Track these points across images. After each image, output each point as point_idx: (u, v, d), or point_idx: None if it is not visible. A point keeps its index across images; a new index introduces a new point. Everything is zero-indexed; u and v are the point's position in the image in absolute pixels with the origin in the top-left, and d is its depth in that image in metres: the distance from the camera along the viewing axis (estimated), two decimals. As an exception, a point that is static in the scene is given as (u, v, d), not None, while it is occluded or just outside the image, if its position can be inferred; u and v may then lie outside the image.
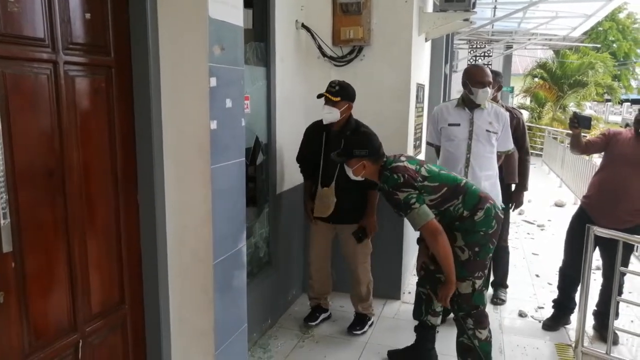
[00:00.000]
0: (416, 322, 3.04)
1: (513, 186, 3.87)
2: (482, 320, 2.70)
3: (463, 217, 2.59)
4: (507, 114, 3.41)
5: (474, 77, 3.20)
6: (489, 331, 2.75)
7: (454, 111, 3.30)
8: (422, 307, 2.95)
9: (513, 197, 3.88)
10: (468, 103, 3.26)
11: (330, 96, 3.07)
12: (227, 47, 2.06)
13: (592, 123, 3.37)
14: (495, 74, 3.78)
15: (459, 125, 3.27)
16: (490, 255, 2.70)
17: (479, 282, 2.65)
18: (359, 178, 2.75)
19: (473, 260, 2.61)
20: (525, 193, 3.93)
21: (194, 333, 2.18)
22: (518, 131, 3.74)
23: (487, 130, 3.22)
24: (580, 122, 3.25)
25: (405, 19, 3.58)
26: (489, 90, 3.23)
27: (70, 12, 1.70)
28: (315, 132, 3.28)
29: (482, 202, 2.60)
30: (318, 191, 3.24)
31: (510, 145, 3.38)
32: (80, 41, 1.76)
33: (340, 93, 3.09)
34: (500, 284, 4.04)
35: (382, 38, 3.62)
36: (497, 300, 3.94)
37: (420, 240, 2.96)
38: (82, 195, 1.82)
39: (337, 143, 3.06)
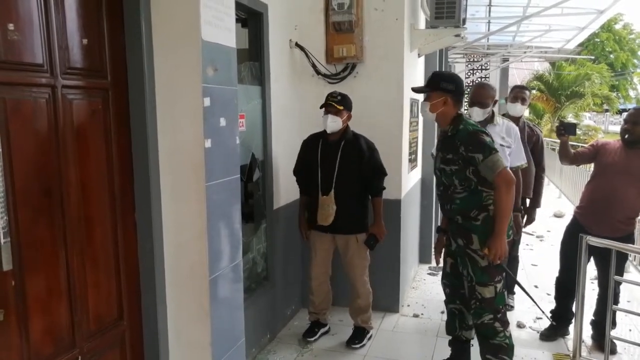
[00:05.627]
0: (413, 333, 3.06)
1: (527, 201, 3.92)
2: (505, 320, 2.76)
3: (488, 209, 2.62)
4: (517, 128, 3.50)
5: (470, 97, 3.43)
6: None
7: None
8: (455, 323, 2.98)
9: (526, 212, 3.92)
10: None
11: (336, 105, 3.17)
12: (221, 67, 2.13)
13: (586, 129, 3.48)
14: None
15: None
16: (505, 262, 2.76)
17: (499, 286, 2.70)
18: (430, 116, 2.75)
19: (492, 266, 2.66)
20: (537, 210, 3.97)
21: (191, 348, 2.22)
22: (537, 148, 3.80)
23: (501, 145, 3.34)
24: (566, 130, 3.38)
25: (397, 36, 3.66)
26: (480, 111, 3.34)
27: (67, 38, 1.78)
28: (311, 143, 3.38)
29: None
30: (319, 200, 3.29)
31: (522, 160, 3.47)
32: (78, 66, 1.83)
33: (343, 102, 3.21)
34: (509, 290, 4.06)
35: (375, 55, 3.70)
36: (507, 307, 3.95)
37: (439, 230, 3.01)
38: (81, 214, 1.87)
39: (334, 151, 3.24)
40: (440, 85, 2.69)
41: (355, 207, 3.30)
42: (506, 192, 2.56)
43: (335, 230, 3.32)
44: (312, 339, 3.50)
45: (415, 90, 2.93)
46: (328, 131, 3.24)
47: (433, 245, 3.23)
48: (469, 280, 2.72)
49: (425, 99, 2.77)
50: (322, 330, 3.58)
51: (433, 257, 3.15)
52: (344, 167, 3.24)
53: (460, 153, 2.63)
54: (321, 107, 3.24)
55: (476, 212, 2.65)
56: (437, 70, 2.80)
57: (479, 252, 2.65)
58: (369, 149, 3.29)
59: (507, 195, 2.56)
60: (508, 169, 2.60)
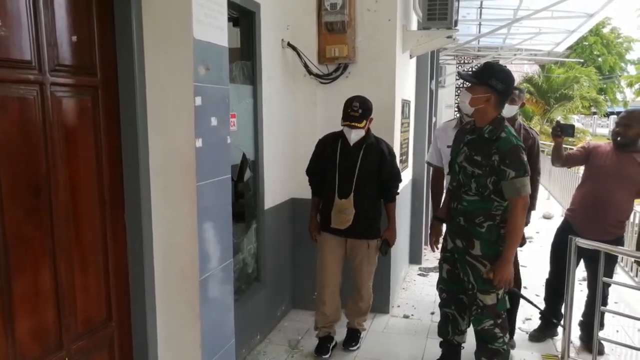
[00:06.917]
0: (403, 334, 3.06)
1: None
2: (505, 326, 2.74)
3: (495, 218, 2.59)
4: None
5: None
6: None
7: (453, 132, 3.37)
8: (448, 327, 2.95)
9: None
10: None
11: (357, 124, 3.05)
12: (212, 66, 2.11)
13: (575, 131, 3.42)
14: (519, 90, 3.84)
15: None
16: None
17: (501, 292, 2.67)
18: (467, 108, 2.58)
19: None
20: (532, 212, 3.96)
21: (181, 349, 2.19)
22: (533, 151, 3.75)
23: None
24: (562, 131, 3.31)
25: (389, 37, 3.66)
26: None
27: (56, 35, 1.75)
28: (329, 143, 3.25)
29: None
30: (335, 203, 3.16)
31: None
32: (67, 63, 1.80)
33: (364, 116, 3.06)
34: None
35: (367, 56, 3.69)
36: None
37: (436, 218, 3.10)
38: (69, 214, 1.84)
39: (355, 154, 3.12)
40: (489, 81, 2.49)
41: (372, 211, 3.21)
42: (522, 214, 2.53)
43: (350, 234, 3.22)
44: (327, 355, 3.32)
45: (462, 76, 2.77)
46: (352, 142, 3.13)
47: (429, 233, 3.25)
48: (470, 287, 2.69)
49: (468, 89, 2.59)
50: (332, 344, 3.40)
51: (429, 245, 3.21)
52: (364, 171, 3.13)
53: (492, 161, 2.51)
54: (341, 121, 3.10)
55: (482, 219, 2.61)
56: (491, 62, 2.54)
57: (480, 258, 2.62)
58: (390, 154, 3.22)
59: (522, 218, 2.53)
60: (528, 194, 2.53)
